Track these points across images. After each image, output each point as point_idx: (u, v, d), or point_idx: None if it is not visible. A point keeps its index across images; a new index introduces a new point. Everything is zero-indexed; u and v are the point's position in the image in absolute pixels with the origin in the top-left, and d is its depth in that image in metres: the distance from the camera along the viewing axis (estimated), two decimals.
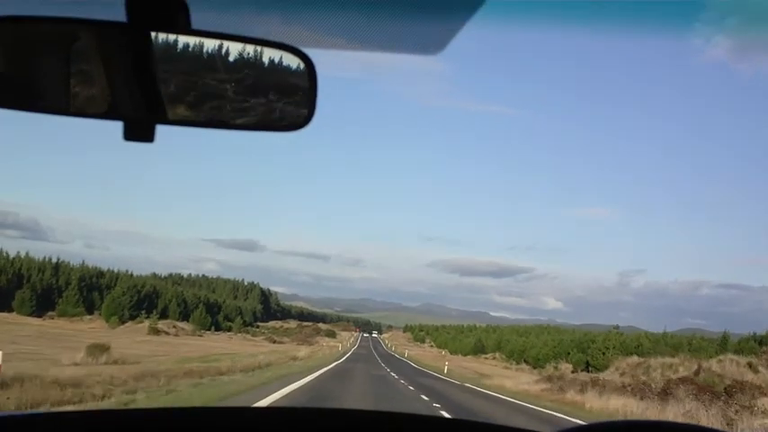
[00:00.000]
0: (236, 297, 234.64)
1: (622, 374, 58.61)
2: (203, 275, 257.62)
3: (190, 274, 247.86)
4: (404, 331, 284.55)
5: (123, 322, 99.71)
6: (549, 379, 38.36)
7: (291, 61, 1.36)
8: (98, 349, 27.34)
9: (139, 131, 1.24)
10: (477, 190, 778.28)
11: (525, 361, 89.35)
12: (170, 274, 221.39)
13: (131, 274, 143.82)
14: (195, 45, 1.32)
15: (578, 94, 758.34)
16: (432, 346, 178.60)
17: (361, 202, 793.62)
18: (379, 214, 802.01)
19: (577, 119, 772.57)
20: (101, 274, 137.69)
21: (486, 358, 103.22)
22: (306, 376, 27.75)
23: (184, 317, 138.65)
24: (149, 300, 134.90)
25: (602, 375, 59.71)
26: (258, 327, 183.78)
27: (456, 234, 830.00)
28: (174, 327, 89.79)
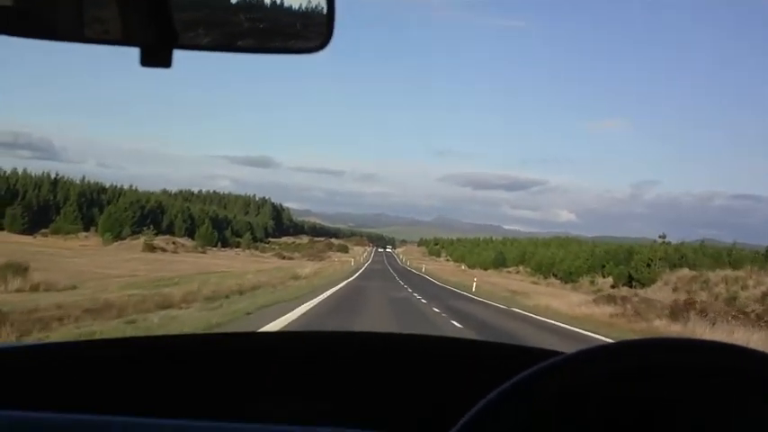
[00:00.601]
0: (247, 213, 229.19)
1: (675, 290, 50.69)
2: (214, 191, 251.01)
3: (200, 191, 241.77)
4: (418, 245, 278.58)
5: (122, 238, 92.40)
6: (611, 299, 30.14)
7: None
8: (10, 270, 19.47)
9: (156, 57, 1.20)
10: (489, 102, 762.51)
11: (554, 275, 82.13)
12: (180, 191, 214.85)
13: (136, 190, 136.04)
14: None
15: (592, 9, 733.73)
16: (447, 259, 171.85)
17: (373, 117, 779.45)
18: (392, 129, 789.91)
19: (589, 28, 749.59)
20: (103, 189, 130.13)
21: (509, 272, 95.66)
22: (300, 305, 19.86)
23: (190, 233, 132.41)
24: (153, 216, 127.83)
25: (649, 291, 51.97)
26: (270, 242, 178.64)
27: (468, 147, 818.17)
28: (174, 243, 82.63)
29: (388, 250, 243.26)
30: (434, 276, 73.35)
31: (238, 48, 1.29)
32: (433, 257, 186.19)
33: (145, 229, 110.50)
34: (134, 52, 1.20)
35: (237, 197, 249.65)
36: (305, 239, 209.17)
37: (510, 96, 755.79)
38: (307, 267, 58.15)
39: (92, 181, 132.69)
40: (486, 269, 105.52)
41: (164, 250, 77.13)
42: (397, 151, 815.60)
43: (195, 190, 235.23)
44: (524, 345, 1.68)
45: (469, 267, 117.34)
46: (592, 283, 63.68)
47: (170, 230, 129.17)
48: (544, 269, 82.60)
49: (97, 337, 10.37)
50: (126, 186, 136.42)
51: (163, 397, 1.47)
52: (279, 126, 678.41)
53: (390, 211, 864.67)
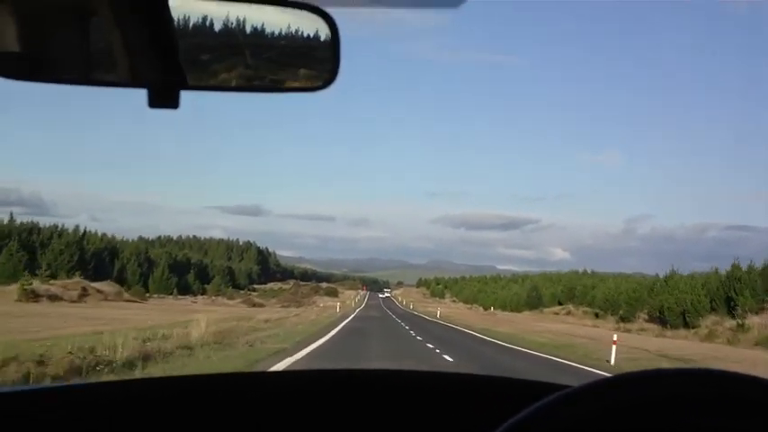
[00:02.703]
0: (230, 258, 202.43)
1: None
2: (194, 236, 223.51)
3: (180, 236, 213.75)
4: (417, 286, 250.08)
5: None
6: None
7: (313, 21, 1.30)
8: None
9: (164, 98, 1.18)
10: (479, 142, 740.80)
11: (616, 314, 55.28)
12: (159, 237, 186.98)
13: (102, 234, 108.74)
14: (215, 8, 1.27)
15: (581, 41, 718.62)
16: (454, 301, 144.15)
17: (364, 161, 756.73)
18: (383, 172, 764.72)
19: (580, 65, 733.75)
20: (32, 229, 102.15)
21: (555, 313, 67.99)
22: None
23: (146, 279, 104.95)
24: (98, 260, 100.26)
25: None
26: (255, 289, 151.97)
27: (461, 188, 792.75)
28: (85, 289, 54.99)
29: (385, 295, 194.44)
30: (471, 328, 45.61)
31: (245, 87, 1.28)
32: (437, 299, 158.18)
33: (77, 273, 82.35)
34: (140, 96, 1.16)
35: (219, 241, 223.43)
36: (291, 284, 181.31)
37: (501, 135, 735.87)
38: (261, 315, 31.22)
39: (25, 221, 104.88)
40: (519, 311, 77.76)
41: (57, 298, 49.50)
42: (388, 194, 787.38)
43: (175, 236, 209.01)
44: (529, 379, 1.66)
45: (488, 309, 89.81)
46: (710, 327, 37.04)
47: (121, 276, 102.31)
48: (624, 308, 54.44)
49: None
50: (64, 225, 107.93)
51: None
52: (268, 174, 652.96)
53: (383, 255, 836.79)
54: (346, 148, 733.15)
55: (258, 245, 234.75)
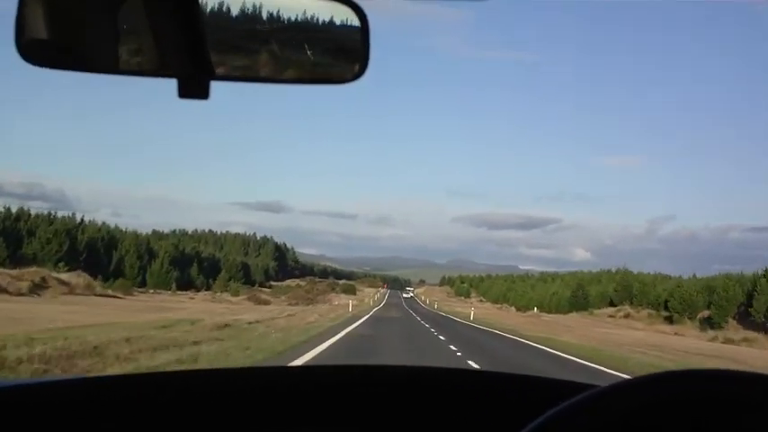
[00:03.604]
0: (246, 253, 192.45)
1: None
2: (209, 230, 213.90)
3: (195, 230, 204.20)
4: (440, 285, 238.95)
5: None
6: None
7: (344, 13, 1.28)
8: None
9: (194, 88, 1.18)
10: (502, 141, 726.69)
11: (693, 317, 44.16)
12: (173, 231, 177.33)
13: (61, 217, 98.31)
14: None
15: (606, 40, 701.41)
16: (481, 300, 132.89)
17: (386, 158, 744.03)
18: (405, 169, 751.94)
19: (604, 64, 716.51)
20: (19, 217, 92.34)
21: (611, 316, 56.64)
22: None
23: (146, 272, 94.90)
24: (91, 250, 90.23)
25: None
26: (271, 286, 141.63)
27: (483, 187, 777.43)
28: (44, 279, 44.76)
29: (409, 295, 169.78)
30: (557, 348, 34.67)
31: (274, 78, 1.26)
32: (462, 298, 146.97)
33: (62, 265, 72.20)
34: (168, 87, 1.15)
35: (236, 236, 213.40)
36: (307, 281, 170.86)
37: (523, 133, 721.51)
38: (248, 316, 20.77)
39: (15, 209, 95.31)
40: (562, 312, 66.44)
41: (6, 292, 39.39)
42: (410, 192, 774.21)
43: (190, 230, 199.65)
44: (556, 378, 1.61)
45: (526, 310, 78.59)
46: None
47: (118, 269, 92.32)
48: (713, 310, 43.00)
49: None
50: (52, 213, 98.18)
51: None
52: (291, 170, 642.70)
53: (405, 254, 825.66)
54: (369, 145, 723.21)
55: (276, 240, 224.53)
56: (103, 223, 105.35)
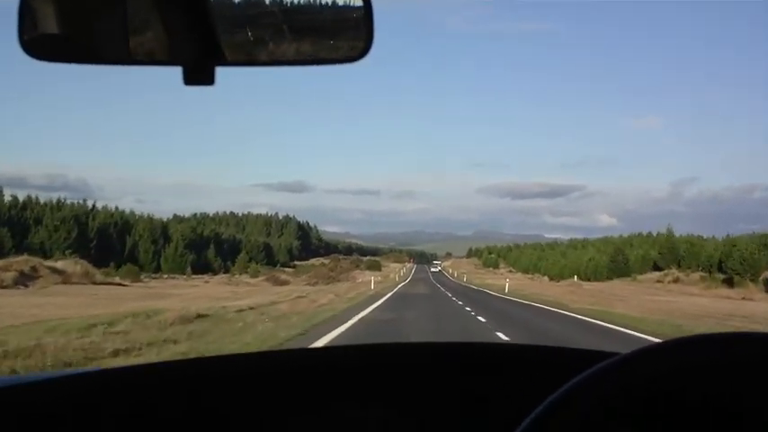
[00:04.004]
0: (269, 234, 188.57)
1: None
2: (231, 212, 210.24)
3: (217, 213, 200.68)
4: (467, 257, 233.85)
5: None
6: None
7: None
8: None
9: (200, 75, 1.17)
10: (522, 110, 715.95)
11: (756, 279, 39.13)
12: (194, 214, 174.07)
13: (70, 203, 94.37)
14: None
15: (621, 5, 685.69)
16: (511, 271, 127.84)
17: (406, 131, 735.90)
18: (426, 143, 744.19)
19: (622, 27, 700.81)
20: (26, 205, 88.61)
21: (659, 281, 51.48)
22: None
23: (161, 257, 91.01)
24: (102, 236, 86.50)
25: None
26: (295, 266, 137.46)
27: (505, 156, 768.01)
28: (35, 268, 40.72)
29: (437, 269, 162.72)
30: (628, 325, 29.68)
31: (279, 61, 1.24)
32: (491, 269, 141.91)
33: (71, 252, 68.16)
34: (177, 75, 1.14)
35: (258, 217, 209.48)
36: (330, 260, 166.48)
37: (543, 101, 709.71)
38: (248, 301, 16.17)
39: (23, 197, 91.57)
40: (601, 280, 61.26)
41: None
42: (432, 165, 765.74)
43: (211, 213, 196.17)
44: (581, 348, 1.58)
45: (562, 279, 73.47)
46: None
47: (132, 255, 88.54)
48: (748, 268, 37.78)
49: None
50: (54, 199, 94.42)
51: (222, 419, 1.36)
52: (311, 149, 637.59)
53: (429, 228, 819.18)
54: (389, 122, 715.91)
55: (299, 219, 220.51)
56: (116, 208, 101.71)
